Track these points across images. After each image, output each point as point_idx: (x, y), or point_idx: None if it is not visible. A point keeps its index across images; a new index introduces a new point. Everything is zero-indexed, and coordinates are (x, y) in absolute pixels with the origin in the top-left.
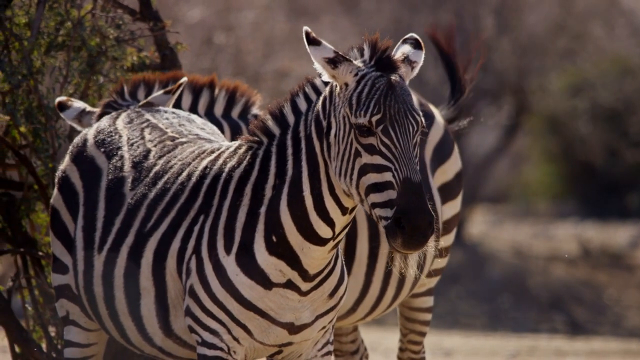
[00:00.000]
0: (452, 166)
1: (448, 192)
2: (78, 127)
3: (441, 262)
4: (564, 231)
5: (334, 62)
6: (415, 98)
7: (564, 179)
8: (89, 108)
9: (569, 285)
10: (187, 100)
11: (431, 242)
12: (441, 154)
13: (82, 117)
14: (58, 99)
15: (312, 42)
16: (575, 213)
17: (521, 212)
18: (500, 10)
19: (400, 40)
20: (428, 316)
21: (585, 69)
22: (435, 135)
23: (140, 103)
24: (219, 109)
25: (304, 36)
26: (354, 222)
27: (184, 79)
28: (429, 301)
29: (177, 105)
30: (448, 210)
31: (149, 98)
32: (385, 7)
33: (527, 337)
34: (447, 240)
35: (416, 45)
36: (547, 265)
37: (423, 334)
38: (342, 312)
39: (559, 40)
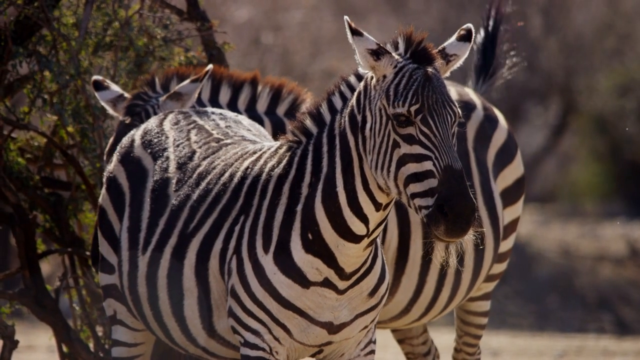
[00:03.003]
0: (513, 171)
1: (507, 197)
2: (110, 110)
3: (500, 267)
4: (611, 231)
5: (376, 53)
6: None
7: (612, 178)
8: (126, 94)
9: (617, 285)
10: (225, 96)
11: (472, 231)
12: (503, 158)
13: (118, 102)
14: (94, 77)
15: (355, 32)
16: (623, 213)
17: (569, 212)
18: (548, 9)
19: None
20: (484, 320)
21: (633, 68)
22: (499, 138)
23: (168, 94)
24: (262, 106)
25: (347, 26)
26: (408, 222)
27: (210, 66)
28: (485, 305)
29: (215, 99)
30: (507, 215)
31: (176, 88)
32: (432, 7)
33: (575, 337)
34: (506, 245)
35: (464, 37)
36: (594, 265)
37: (478, 337)
38: (395, 312)
39: (607, 40)
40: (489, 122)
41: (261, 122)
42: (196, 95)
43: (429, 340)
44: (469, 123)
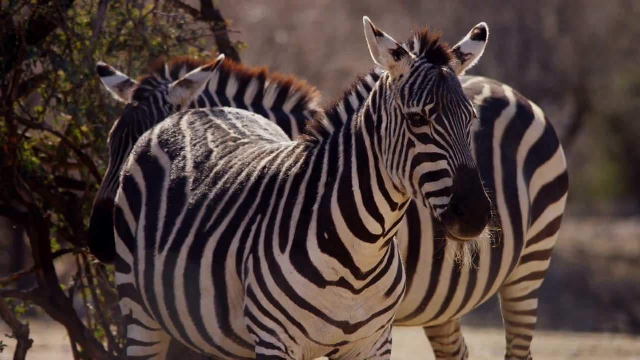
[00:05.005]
0: (552, 168)
1: (550, 193)
2: (116, 96)
3: (544, 265)
4: (626, 230)
5: (397, 54)
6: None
7: (626, 178)
8: (132, 80)
9: (631, 285)
10: (232, 89)
11: (488, 230)
12: (540, 155)
13: (125, 87)
14: (99, 64)
15: (377, 33)
16: (637, 212)
17: (583, 212)
18: (562, 9)
19: (471, 30)
20: (533, 319)
21: None
22: (532, 135)
23: (179, 80)
24: (268, 101)
25: (369, 27)
26: (418, 221)
27: (222, 56)
28: (533, 304)
29: (222, 92)
30: (549, 212)
31: (187, 75)
32: (446, 6)
33: (589, 337)
34: (550, 242)
35: (478, 36)
36: (609, 264)
37: (529, 338)
38: (410, 311)
39: (621, 40)
40: (522, 119)
41: (266, 118)
42: (205, 84)
43: (460, 340)
44: (498, 120)
